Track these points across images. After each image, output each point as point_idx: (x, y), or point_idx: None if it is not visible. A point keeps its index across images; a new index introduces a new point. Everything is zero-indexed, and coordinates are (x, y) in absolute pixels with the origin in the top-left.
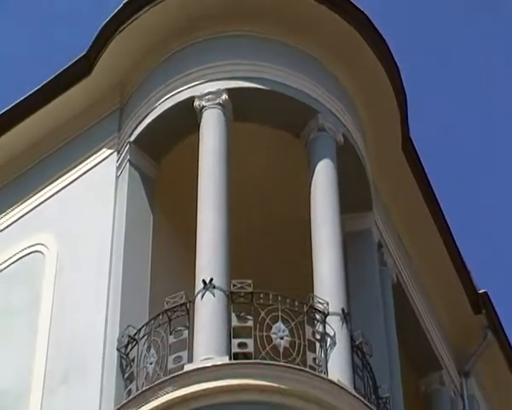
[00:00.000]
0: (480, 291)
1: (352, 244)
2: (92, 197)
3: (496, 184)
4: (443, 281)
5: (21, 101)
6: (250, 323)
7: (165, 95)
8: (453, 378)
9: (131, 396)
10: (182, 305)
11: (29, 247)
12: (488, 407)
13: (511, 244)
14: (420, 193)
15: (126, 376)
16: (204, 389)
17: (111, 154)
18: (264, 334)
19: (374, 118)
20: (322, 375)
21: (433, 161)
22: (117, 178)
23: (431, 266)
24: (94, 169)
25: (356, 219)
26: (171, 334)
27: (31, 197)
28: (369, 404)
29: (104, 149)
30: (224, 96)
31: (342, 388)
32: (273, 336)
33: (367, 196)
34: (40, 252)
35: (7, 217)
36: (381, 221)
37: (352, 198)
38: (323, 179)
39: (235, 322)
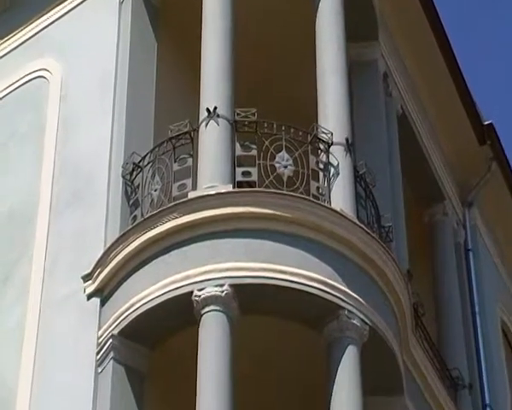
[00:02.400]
0: (486, 122)
1: (357, 75)
2: (96, 23)
3: (504, 15)
4: (449, 112)
5: None
6: (254, 152)
7: None
8: (456, 209)
9: (136, 222)
10: (186, 133)
11: (33, 72)
12: (491, 238)
13: None
14: (428, 23)
15: (131, 202)
16: (208, 217)
17: None
18: (268, 163)
19: None
20: (325, 204)
21: None
22: (120, 3)
23: (437, 98)
24: None
25: (362, 49)
26: (175, 162)
27: (33, 22)
28: (371, 232)
29: None
30: None
31: (344, 216)
32: (277, 165)
33: (373, 25)
34: (44, 77)
35: (9, 42)
36: (388, 52)
37: (359, 27)
38: (329, 7)
39: (239, 151)
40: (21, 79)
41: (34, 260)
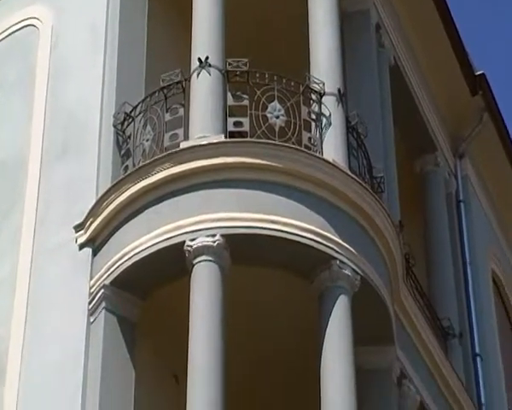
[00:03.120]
0: (478, 73)
1: (349, 25)
2: None
3: None
4: (441, 63)
5: None
6: (246, 102)
7: None
8: (448, 160)
9: (128, 172)
10: (178, 83)
11: (23, 20)
12: (483, 189)
13: (510, 27)
14: None
15: (123, 152)
16: (200, 166)
17: None
18: (260, 113)
19: None
20: (317, 154)
21: None
22: None
23: (429, 49)
24: None
25: None
26: (167, 112)
27: None
28: (362, 183)
29: None
30: None
31: (337, 167)
32: (269, 115)
33: None
34: (34, 26)
35: None
36: (380, 1)
37: None
38: None
39: (230, 101)
40: (11, 27)
41: (26, 210)
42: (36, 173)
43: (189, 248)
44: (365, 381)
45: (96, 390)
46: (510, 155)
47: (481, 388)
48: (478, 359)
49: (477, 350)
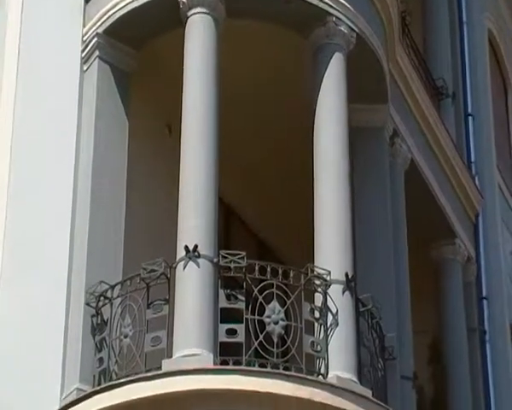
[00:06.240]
0: None
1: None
2: None
3: None
4: None
5: None
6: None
7: None
8: None
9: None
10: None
11: None
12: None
13: None
14: None
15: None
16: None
17: None
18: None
19: None
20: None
21: None
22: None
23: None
24: None
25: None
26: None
27: None
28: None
29: None
30: None
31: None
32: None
33: None
34: None
35: None
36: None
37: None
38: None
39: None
40: None
41: None
42: None
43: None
44: (358, 139)
45: (90, 141)
46: None
47: (471, 147)
48: (470, 118)
49: (469, 110)
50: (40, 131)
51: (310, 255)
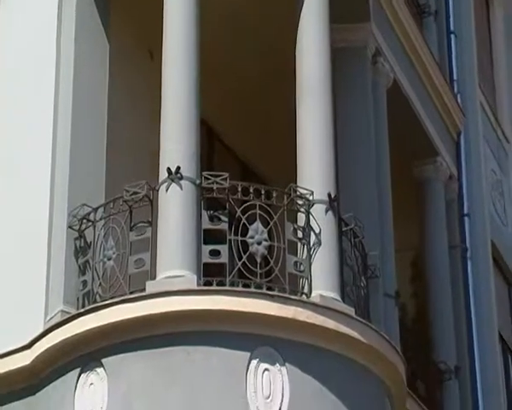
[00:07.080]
0: None
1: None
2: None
3: None
4: None
5: None
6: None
7: None
8: None
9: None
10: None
11: None
12: None
13: None
14: None
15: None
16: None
17: None
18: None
19: None
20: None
21: None
22: None
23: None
24: None
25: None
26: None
27: None
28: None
29: None
30: None
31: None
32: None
33: None
34: None
35: None
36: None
37: None
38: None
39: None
40: None
41: None
42: None
43: None
44: (340, 58)
45: (70, 63)
46: None
47: (454, 65)
48: (452, 36)
49: (452, 28)
50: (19, 53)
51: (293, 178)
